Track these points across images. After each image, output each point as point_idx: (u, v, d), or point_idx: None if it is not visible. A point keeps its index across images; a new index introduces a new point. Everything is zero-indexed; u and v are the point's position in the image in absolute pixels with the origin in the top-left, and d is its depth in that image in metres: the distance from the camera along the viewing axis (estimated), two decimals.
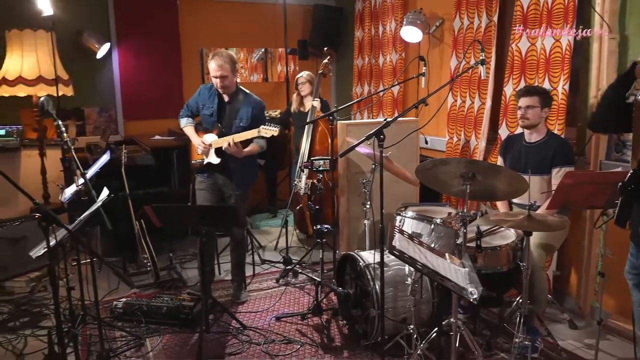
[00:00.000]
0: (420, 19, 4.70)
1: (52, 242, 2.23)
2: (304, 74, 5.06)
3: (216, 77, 3.58)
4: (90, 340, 3.32)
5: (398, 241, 2.16)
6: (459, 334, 2.64)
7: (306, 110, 5.02)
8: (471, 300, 1.93)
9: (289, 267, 4.36)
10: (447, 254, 2.22)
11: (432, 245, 2.85)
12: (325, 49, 5.08)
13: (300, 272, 4.20)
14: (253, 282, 4.28)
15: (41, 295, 4.06)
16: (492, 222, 2.94)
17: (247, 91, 3.77)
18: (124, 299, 3.72)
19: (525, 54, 3.75)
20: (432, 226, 2.98)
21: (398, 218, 3.19)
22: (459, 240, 2.78)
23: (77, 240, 2.65)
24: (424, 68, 3.39)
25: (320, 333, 3.46)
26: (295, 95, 5.16)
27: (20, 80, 4.55)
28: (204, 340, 3.29)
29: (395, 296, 3.12)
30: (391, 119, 2.78)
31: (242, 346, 3.30)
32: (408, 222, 3.12)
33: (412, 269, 2.89)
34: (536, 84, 3.65)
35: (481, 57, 3.18)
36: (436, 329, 2.85)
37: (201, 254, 3.51)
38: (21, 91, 4.58)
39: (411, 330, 2.96)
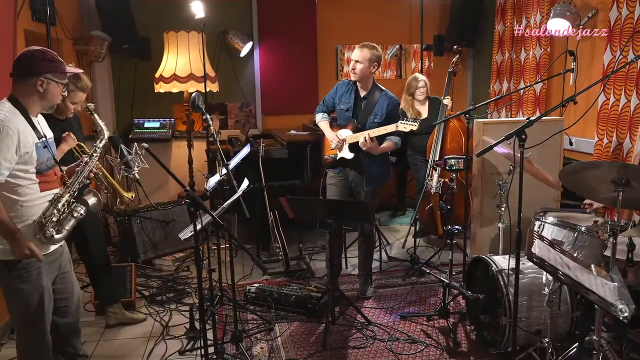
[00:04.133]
0: (570, 10, 4.36)
1: (198, 227, 2.42)
2: (424, 77, 4.94)
3: (351, 61, 3.70)
4: (226, 320, 3.56)
5: (537, 248, 2.03)
6: (601, 353, 2.42)
7: (423, 117, 4.88)
8: (620, 318, 1.76)
9: (416, 266, 4.30)
10: (592, 266, 2.04)
11: (575, 255, 2.64)
12: (455, 47, 4.90)
13: (428, 272, 4.13)
14: (379, 279, 4.28)
15: (184, 275, 4.43)
16: None
17: (384, 88, 3.79)
18: (256, 284, 3.93)
19: None
20: (576, 234, 2.76)
21: (537, 223, 3.00)
22: (607, 252, 2.54)
23: (219, 226, 2.84)
24: (573, 63, 3.14)
25: (446, 336, 3.37)
26: (408, 97, 5.03)
27: (174, 77, 4.99)
28: (329, 331, 3.37)
29: (529, 306, 2.94)
30: (534, 118, 2.61)
31: (366, 341, 3.33)
32: (548, 228, 2.92)
33: (550, 278, 2.70)
34: None
35: None
36: (576, 344, 2.63)
37: (330, 247, 3.59)
38: (175, 87, 5.02)
39: (546, 344, 2.77)
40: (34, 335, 2.45)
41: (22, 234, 2.30)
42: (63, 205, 2.42)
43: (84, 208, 2.49)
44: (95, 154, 2.62)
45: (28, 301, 2.38)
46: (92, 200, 2.54)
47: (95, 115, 2.75)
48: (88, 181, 2.65)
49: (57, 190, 2.47)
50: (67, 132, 3.04)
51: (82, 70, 2.60)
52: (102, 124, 2.72)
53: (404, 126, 3.52)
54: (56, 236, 2.39)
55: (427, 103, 4.94)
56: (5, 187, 2.27)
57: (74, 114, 3.19)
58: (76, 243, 3.47)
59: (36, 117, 2.43)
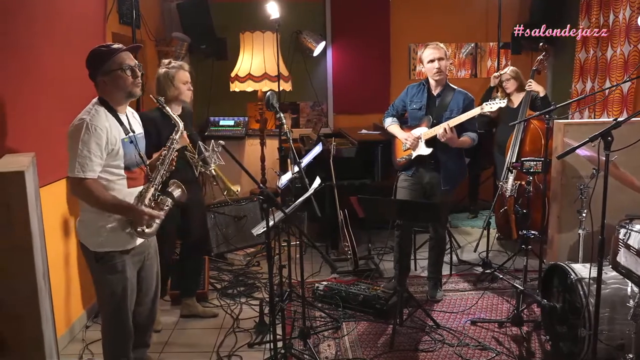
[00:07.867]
0: None
1: (270, 223, 2.47)
2: (508, 70, 4.83)
3: (433, 61, 3.59)
4: (294, 316, 3.61)
5: (623, 257, 1.92)
6: None
7: (514, 106, 4.76)
8: None
9: (488, 271, 4.17)
10: None
11: None
12: (541, 44, 4.70)
13: (501, 278, 3.99)
14: (449, 282, 4.20)
15: (254, 270, 4.54)
16: None
17: (455, 87, 3.70)
18: (325, 282, 3.95)
19: None
20: None
21: (622, 231, 2.82)
22: None
23: (291, 223, 2.89)
24: None
25: (518, 345, 3.25)
26: (498, 92, 4.91)
27: (249, 77, 5.12)
28: (396, 332, 3.33)
29: (611, 318, 2.78)
30: (622, 119, 2.46)
31: (434, 345, 3.26)
32: (635, 237, 2.73)
33: (635, 290, 2.54)
34: None
35: None
36: None
37: (400, 247, 3.54)
38: (249, 87, 5.14)
39: None
40: (117, 322, 2.56)
41: (134, 205, 2.41)
42: (149, 200, 2.48)
43: (170, 200, 2.54)
44: (172, 146, 2.64)
45: (113, 290, 2.48)
46: (177, 192, 2.58)
47: (167, 109, 2.78)
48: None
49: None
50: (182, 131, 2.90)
51: (122, 46, 2.44)
52: (174, 116, 2.75)
53: (490, 107, 3.41)
54: (147, 230, 2.45)
55: (519, 95, 4.77)
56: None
57: (187, 109, 3.29)
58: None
59: (124, 113, 2.50)
